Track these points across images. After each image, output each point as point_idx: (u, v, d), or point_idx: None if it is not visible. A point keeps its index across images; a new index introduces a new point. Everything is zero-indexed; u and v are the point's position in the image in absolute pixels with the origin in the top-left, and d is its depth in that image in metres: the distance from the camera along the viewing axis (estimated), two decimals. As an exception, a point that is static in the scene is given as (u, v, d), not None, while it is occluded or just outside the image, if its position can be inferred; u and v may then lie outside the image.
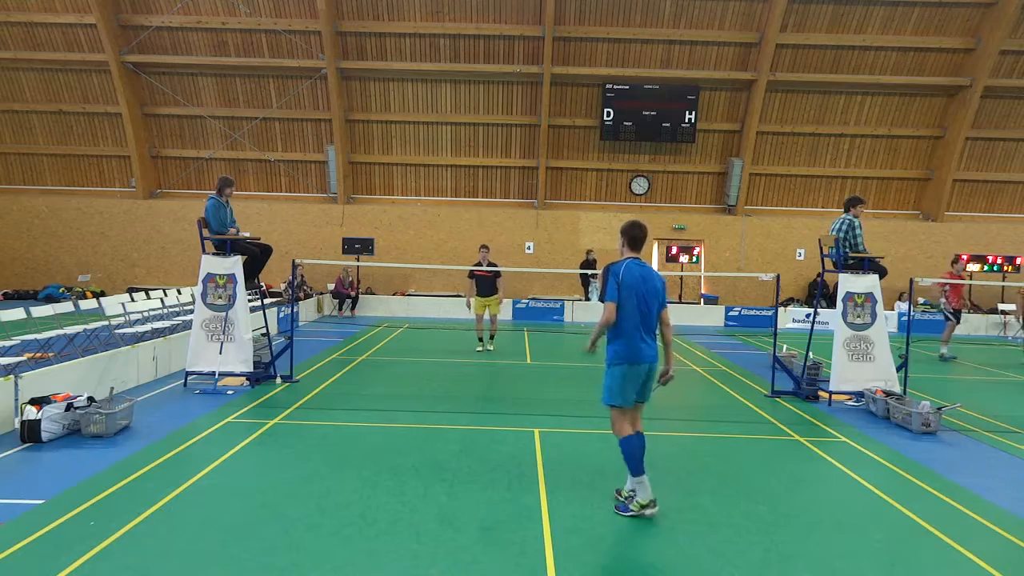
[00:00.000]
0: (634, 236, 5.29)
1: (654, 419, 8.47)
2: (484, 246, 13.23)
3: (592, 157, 21.79)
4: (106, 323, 11.55)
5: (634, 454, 5.15)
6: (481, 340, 13.24)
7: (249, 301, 9.95)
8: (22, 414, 6.63)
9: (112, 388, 7.75)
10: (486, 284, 12.88)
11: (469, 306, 13.16)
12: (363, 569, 4.29)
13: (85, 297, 17.45)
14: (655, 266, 21.65)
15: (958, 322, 14.26)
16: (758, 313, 20.10)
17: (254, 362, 9.61)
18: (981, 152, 21.43)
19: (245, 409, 8.25)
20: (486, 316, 13.14)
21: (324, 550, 4.52)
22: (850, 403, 9.43)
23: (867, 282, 9.42)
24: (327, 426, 7.66)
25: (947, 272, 15.04)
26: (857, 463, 6.79)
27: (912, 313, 10.55)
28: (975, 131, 20.86)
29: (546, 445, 7.02)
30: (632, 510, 5.15)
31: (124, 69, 20.46)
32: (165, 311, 13.69)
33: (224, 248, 9.53)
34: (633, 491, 5.20)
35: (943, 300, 14.25)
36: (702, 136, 21.38)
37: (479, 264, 12.86)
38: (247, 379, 9.49)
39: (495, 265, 13.13)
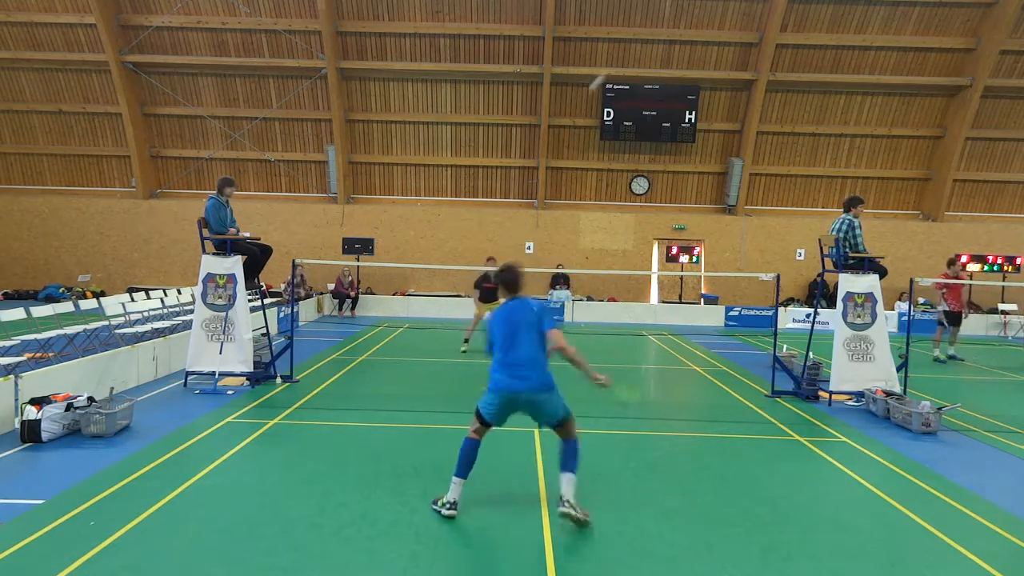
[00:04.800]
0: (503, 281, 5.35)
1: (655, 419, 8.48)
2: (492, 258, 13.89)
3: (592, 157, 21.79)
4: (106, 323, 11.54)
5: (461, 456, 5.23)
6: (467, 341, 13.48)
7: (249, 301, 9.94)
8: (22, 414, 6.63)
9: (112, 388, 7.75)
10: (493, 292, 13.46)
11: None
12: (363, 569, 4.29)
13: (85, 297, 17.44)
14: (655, 266, 21.68)
15: (957, 327, 13.96)
16: (758, 313, 20.09)
17: (254, 362, 9.61)
18: (981, 152, 21.43)
19: (245, 409, 8.25)
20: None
21: (324, 550, 4.52)
22: (850, 403, 9.43)
23: (867, 282, 9.42)
24: (327, 426, 7.66)
25: (942, 274, 14.76)
26: (857, 463, 6.79)
27: (912, 313, 10.55)
28: (975, 131, 20.85)
29: (546, 445, 7.02)
30: (435, 507, 5.20)
31: (124, 69, 20.46)
32: (165, 311, 13.68)
33: (224, 248, 9.53)
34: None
35: (942, 304, 13.93)
36: (702, 136, 21.38)
37: (486, 276, 13.43)
38: (247, 379, 9.49)
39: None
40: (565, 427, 5.24)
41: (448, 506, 5.09)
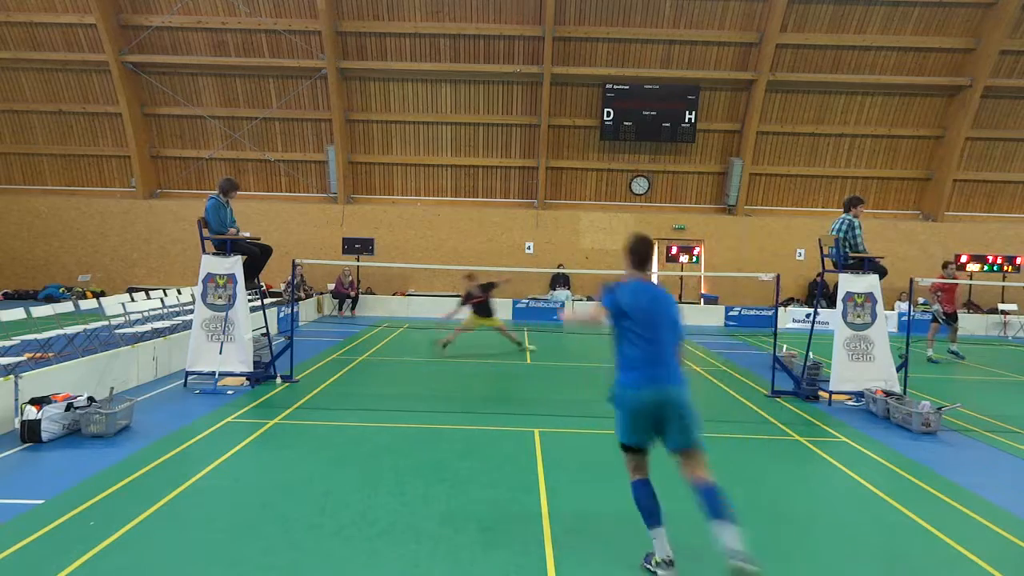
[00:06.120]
0: (642, 253, 4.53)
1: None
2: (471, 275, 13.22)
3: (592, 157, 21.78)
4: (106, 323, 11.55)
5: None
6: (446, 345, 12.84)
7: (249, 301, 9.95)
8: (22, 414, 6.63)
9: (112, 388, 7.75)
10: (484, 306, 13.11)
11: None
12: (363, 569, 4.29)
13: (85, 297, 17.44)
14: (655, 266, 21.63)
15: (948, 325, 14.08)
16: (758, 313, 20.09)
17: (254, 362, 9.62)
18: (981, 152, 21.42)
19: (245, 409, 8.25)
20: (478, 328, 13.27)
21: (325, 550, 4.52)
22: (850, 403, 9.43)
23: (867, 282, 9.43)
24: (327, 426, 7.66)
25: (938, 276, 14.97)
26: (857, 463, 6.79)
27: (912, 313, 10.55)
28: (975, 131, 20.85)
29: (546, 445, 7.02)
30: (649, 567, 4.37)
31: (124, 69, 20.46)
32: (165, 311, 13.69)
33: (224, 248, 9.53)
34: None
35: (937, 306, 14.09)
36: (702, 136, 21.37)
37: (469, 295, 12.98)
38: (247, 379, 9.49)
39: (487, 287, 13.17)
40: (695, 457, 4.29)
41: (663, 564, 4.23)
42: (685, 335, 4.58)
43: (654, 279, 21.77)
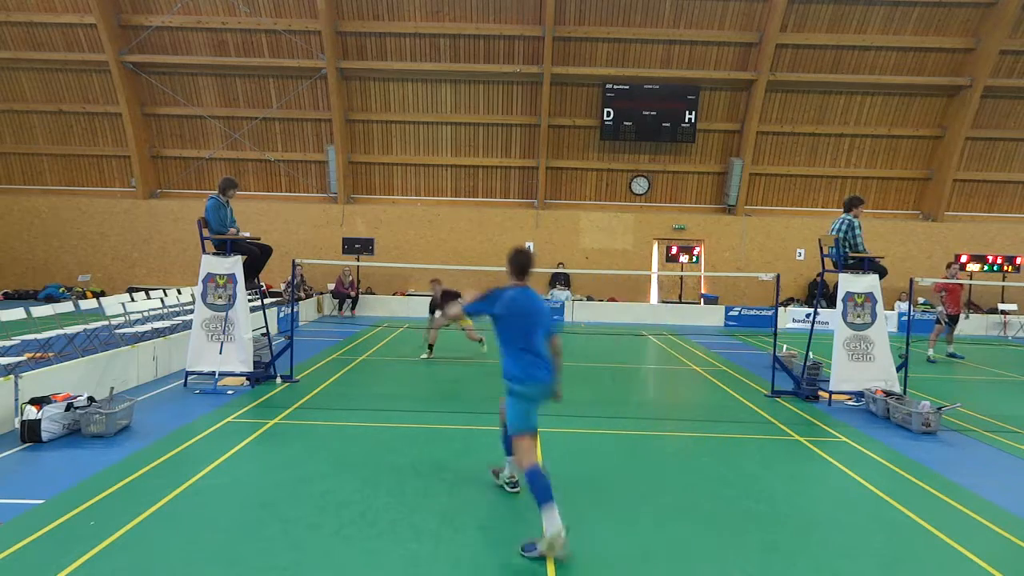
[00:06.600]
0: (521, 264, 5.30)
1: (654, 419, 8.47)
2: (436, 280, 12.91)
3: (592, 157, 21.79)
4: (106, 323, 11.55)
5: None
6: (431, 347, 12.54)
7: (249, 301, 9.94)
8: (22, 414, 6.63)
9: (112, 388, 7.74)
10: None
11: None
12: (363, 569, 4.29)
13: (85, 297, 17.45)
14: (655, 266, 21.66)
15: (951, 327, 14.18)
16: (758, 313, 20.10)
17: (254, 362, 9.61)
18: (981, 152, 21.43)
19: (245, 409, 8.25)
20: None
21: (324, 550, 4.52)
22: (850, 403, 9.43)
23: (867, 282, 9.43)
24: (327, 426, 7.66)
25: (942, 276, 15.02)
26: (857, 463, 6.79)
27: (912, 313, 10.55)
28: (975, 131, 20.86)
29: (545, 444, 7.01)
30: (539, 548, 4.45)
31: (124, 69, 20.46)
32: (165, 311, 13.69)
33: (224, 248, 9.53)
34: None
35: (940, 307, 14.18)
36: (702, 136, 21.38)
37: (434, 300, 12.66)
38: (247, 379, 9.49)
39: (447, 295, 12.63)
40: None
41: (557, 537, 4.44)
42: (557, 329, 5.29)
43: (653, 279, 21.97)
